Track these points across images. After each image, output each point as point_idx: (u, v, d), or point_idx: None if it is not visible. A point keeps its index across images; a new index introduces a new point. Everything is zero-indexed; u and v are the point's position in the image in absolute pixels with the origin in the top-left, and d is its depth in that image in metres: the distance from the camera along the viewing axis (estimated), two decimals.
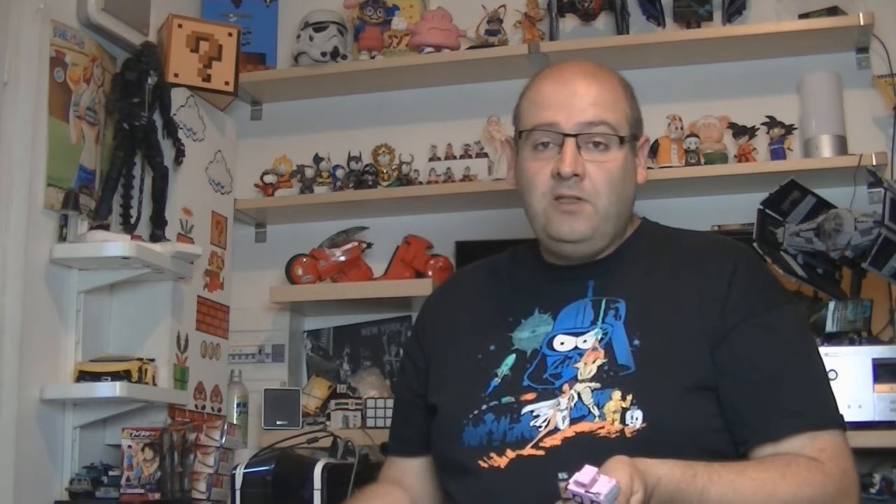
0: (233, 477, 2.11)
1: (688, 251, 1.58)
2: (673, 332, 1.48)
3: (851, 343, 2.29)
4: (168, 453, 2.35)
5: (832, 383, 1.50)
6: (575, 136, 1.52)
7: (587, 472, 1.19)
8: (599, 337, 1.50)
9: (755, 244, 2.41)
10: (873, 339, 2.34)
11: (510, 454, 1.45)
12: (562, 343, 1.52)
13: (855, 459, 1.45)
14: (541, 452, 1.44)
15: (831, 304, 2.34)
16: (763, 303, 1.50)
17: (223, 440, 2.39)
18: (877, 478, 2.22)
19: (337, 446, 2.25)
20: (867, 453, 2.28)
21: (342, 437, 2.29)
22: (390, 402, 2.58)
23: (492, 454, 1.47)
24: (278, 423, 2.67)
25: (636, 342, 1.48)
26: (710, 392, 1.45)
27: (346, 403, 2.71)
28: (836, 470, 1.40)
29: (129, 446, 2.36)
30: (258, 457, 2.19)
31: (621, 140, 1.56)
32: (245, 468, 2.12)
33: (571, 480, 1.19)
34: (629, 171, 1.58)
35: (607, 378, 1.45)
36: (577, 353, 1.50)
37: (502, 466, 1.46)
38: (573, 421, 1.43)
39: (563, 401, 1.45)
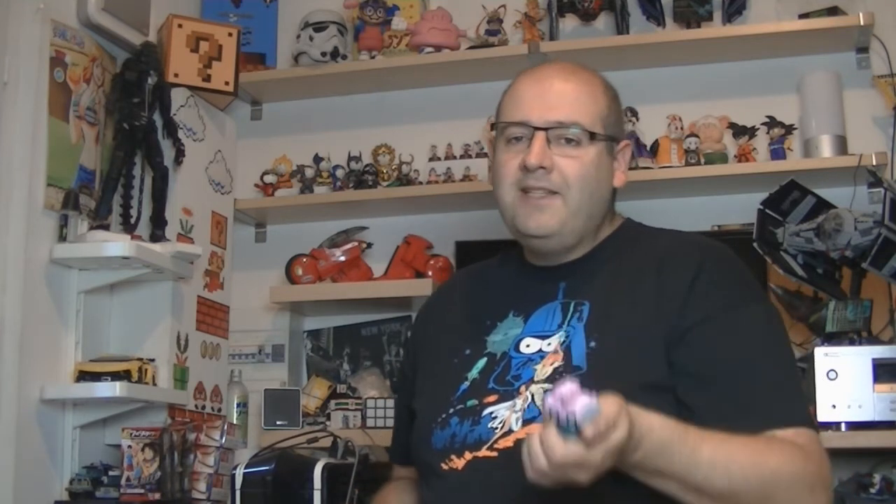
0: (233, 477, 2.11)
1: (657, 251, 1.56)
2: (627, 333, 1.46)
3: (851, 343, 2.28)
4: (168, 453, 2.35)
5: (832, 383, 1.48)
6: (545, 129, 1.52)
7: (568, 387, 1.13)
8: (562, 340, 1.49)
9: (755, 244, 2.42)
10: (873, 339, 2.34)
11: (468, 456, 1.46)
12: (527, 345, 1.52)
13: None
14: (494, 454, 1.43)
15: (831, 304, 2.34)
16: (724, 302, 1.46)
17: (223, 440, 2.39)
18: (877, 478, 2.22)
19: (337, 446, 2.25)
20: (867, 453, 2.28)
21: (342, 437, 2.29)
22: (390, 402, 2.59)
23: (452, 456, 1.47)
24: (278, 423, 2.67)
25: (592, 344, 1.47)
26: (664, 392, 1.43)
27: (346, 403, 2.71)
28: (815, 455, 1.36)
29: (129, 446, 2.36)
30: (258, 457, 2.19)
31: (592, 136, 1.54)
32: (245, 468, 2.12)
33: (549, 394, 1.13)
34: (603, 169, 1.56)
35: (559, 379, 1.43)
36: (540, 355, 1.49)
37: (460, 468, 1.46)
38: (525, 422, 1.43)
39: (519, 402, 1.45)
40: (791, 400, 1.43)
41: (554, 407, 1.13)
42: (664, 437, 1.25)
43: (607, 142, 1.57)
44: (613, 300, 1.51)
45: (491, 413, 1.47)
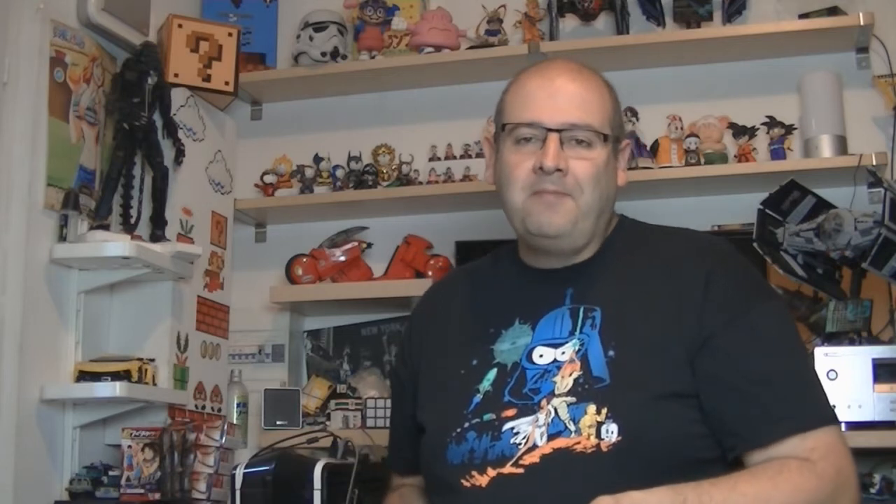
0: (233, 477, 2.11)
1: (664, 253, 1.56)
2: (648, 341, 1.46)
3: (851, 343, 2.28)
4: (168, 453, 2.35)
5: (832, 383, 1.49)
6: (558, 131, 1.51)
7: None
8: (577, 348, 1.48)
9: (755, 244, 2.42)
10: (873, 339, 2.34)
11: (491, 472, 1.44)
12: (541, 356, 1.50)
13: (853, 455, 1.43)
14: (520, 470, 1.42)
15: (831, 304, 2.34)
16: (742, 304, 1.47)
17: (223, 440, 2.39)
18: (877, 478, 2.22)
19: (337, 446, 2.25)
20: (867, 453, 2.27)
21: (342, 437, 2.29)
22: (390, 403, 2.59)
23: (474, 473, 1.45)
24: (278, 423, 2.67)
25: (611, 353, 1.46)
26: (689, 399, 1.43)
27: (346, 403, 2.71)
28: (830, 469, 1.38)
29: (129, 446, 2.37)
30: (258, 457, 2.19)
31: (605, 138, 1.54)
32: (245, 468, 2.12)
33: None
34: (611, 170, 1.57)
35: (583, 392, 1.43)
36: (556, 365, 1.48)
37: (484, 485, 1.44)
38: (550, 437, 1.42)
39: (542, 416, 1.44)
40: (814, 399, 1.45)
41: None
42: None
43: (614, 143, 1.57)
44: (626, 306, 1.50)
45: (512, 428, 1.45)
